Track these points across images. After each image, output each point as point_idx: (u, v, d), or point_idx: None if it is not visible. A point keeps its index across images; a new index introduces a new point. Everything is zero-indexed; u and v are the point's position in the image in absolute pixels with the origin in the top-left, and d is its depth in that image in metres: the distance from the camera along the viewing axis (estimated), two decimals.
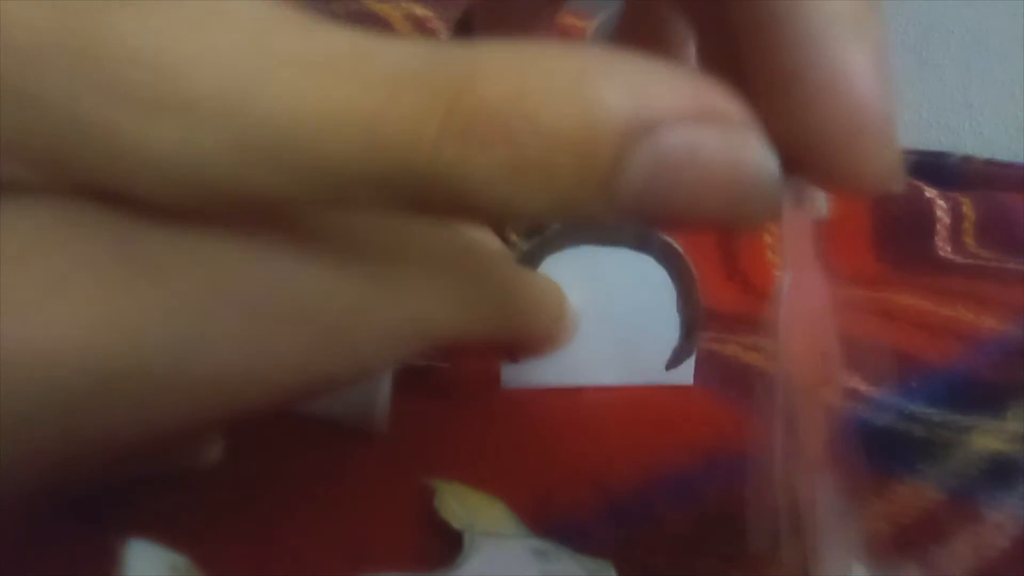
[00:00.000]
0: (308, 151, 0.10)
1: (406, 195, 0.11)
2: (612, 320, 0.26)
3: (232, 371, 0.12)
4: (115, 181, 0.10)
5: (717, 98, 0.11)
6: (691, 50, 0.17)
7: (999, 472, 0.23)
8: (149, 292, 0.11)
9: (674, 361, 0.27)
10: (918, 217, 0.50)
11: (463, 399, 0.26)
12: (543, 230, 0.35)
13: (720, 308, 0.36)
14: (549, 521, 0.20)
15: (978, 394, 0.29)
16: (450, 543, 0.17)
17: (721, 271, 0.42)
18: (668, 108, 0.10)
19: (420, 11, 0.44)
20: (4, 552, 0.18)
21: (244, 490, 0.20)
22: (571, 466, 0.22)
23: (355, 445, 0.22)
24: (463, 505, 0.19)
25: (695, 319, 0.26)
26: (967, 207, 0.52)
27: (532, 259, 0.27)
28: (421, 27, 0.43)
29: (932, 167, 0.59)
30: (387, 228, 0.14)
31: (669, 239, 0.26)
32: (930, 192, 0.51)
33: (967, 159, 0.62)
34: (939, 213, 0.51)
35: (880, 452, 0.24)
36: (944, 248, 0.50)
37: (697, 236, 0.37)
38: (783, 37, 0.12)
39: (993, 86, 0.72)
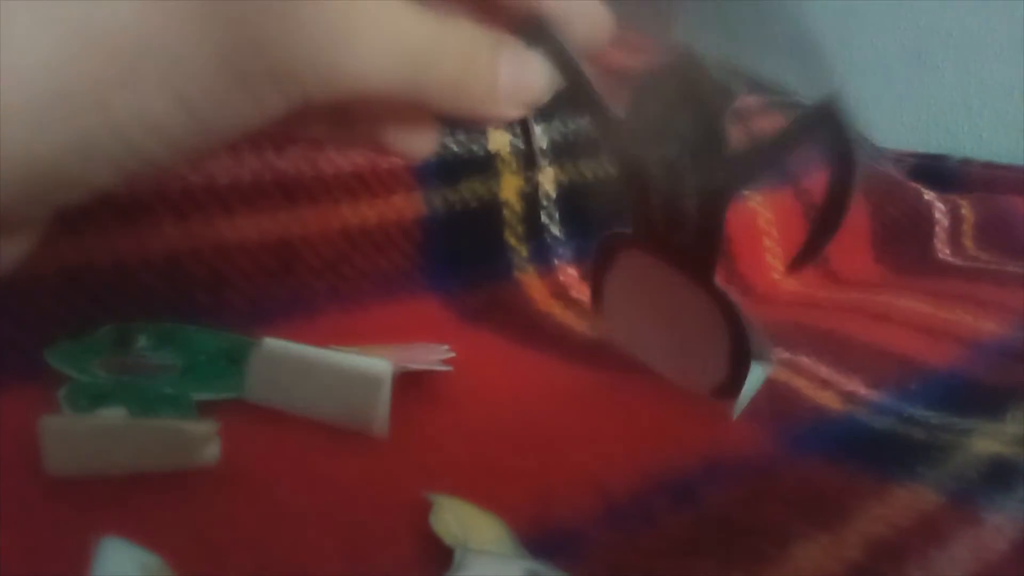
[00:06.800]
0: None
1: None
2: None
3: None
4: None
5: None
6: None
7: (999, 475, 0.23)
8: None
9: (718, 393, 0.26)
10: (917, 219, 0.50)
11: (462, 402, 0.26)
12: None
13: None
14: (548, 525, 0.20)
15: (977, 397, 0.29)
16: (443, 558, 0.17)
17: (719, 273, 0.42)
18: None
19: None
20: None
21: (241, 493, 0.20)
22: (570, 470, 0.22)
23: (354, 448, 0.22)
24: (460, 521, 0.18)
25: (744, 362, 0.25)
26: (966, 209, 0.52)
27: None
28: None
29: (931, 169, 0.59)
30: None
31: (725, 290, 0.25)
32: (929, 194, 0.51)
33: (966, 161, 0.62)
34: (938, 215, 0.51)
35: (879, 455, 0.24)
36: (943, 250, 0.50)
37: None
38: None
39: (992, 88, 0.72)
